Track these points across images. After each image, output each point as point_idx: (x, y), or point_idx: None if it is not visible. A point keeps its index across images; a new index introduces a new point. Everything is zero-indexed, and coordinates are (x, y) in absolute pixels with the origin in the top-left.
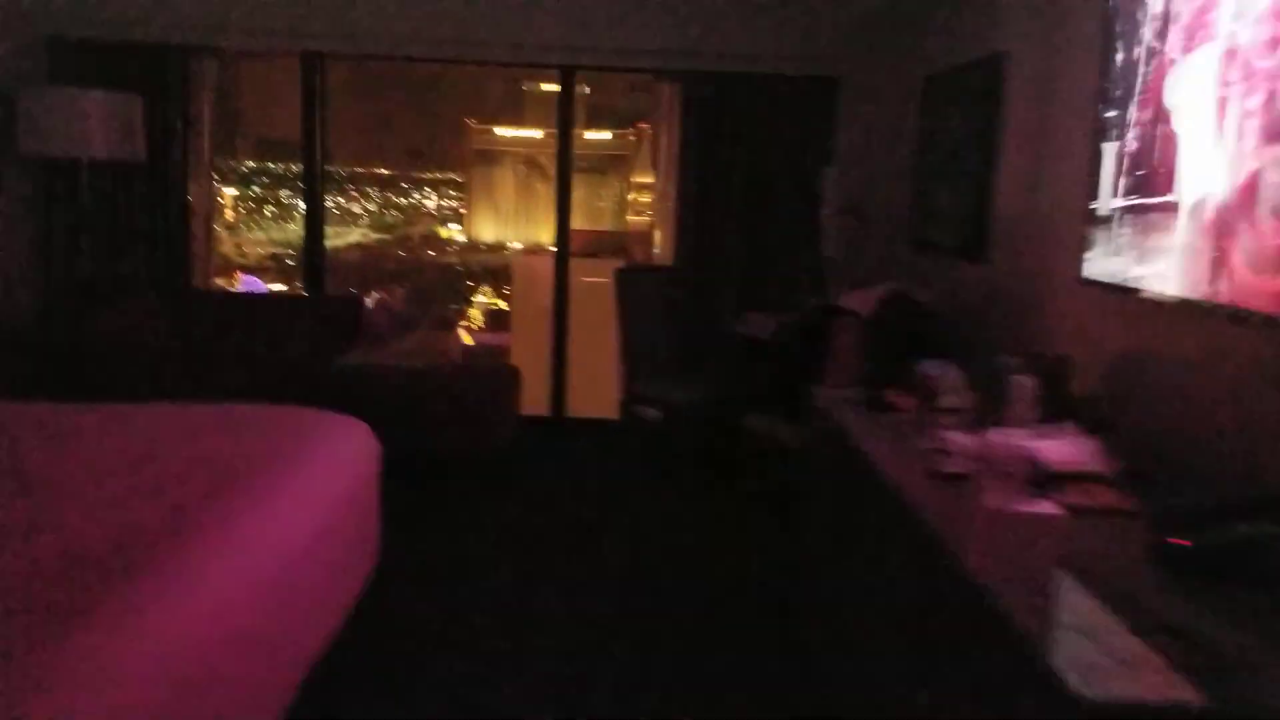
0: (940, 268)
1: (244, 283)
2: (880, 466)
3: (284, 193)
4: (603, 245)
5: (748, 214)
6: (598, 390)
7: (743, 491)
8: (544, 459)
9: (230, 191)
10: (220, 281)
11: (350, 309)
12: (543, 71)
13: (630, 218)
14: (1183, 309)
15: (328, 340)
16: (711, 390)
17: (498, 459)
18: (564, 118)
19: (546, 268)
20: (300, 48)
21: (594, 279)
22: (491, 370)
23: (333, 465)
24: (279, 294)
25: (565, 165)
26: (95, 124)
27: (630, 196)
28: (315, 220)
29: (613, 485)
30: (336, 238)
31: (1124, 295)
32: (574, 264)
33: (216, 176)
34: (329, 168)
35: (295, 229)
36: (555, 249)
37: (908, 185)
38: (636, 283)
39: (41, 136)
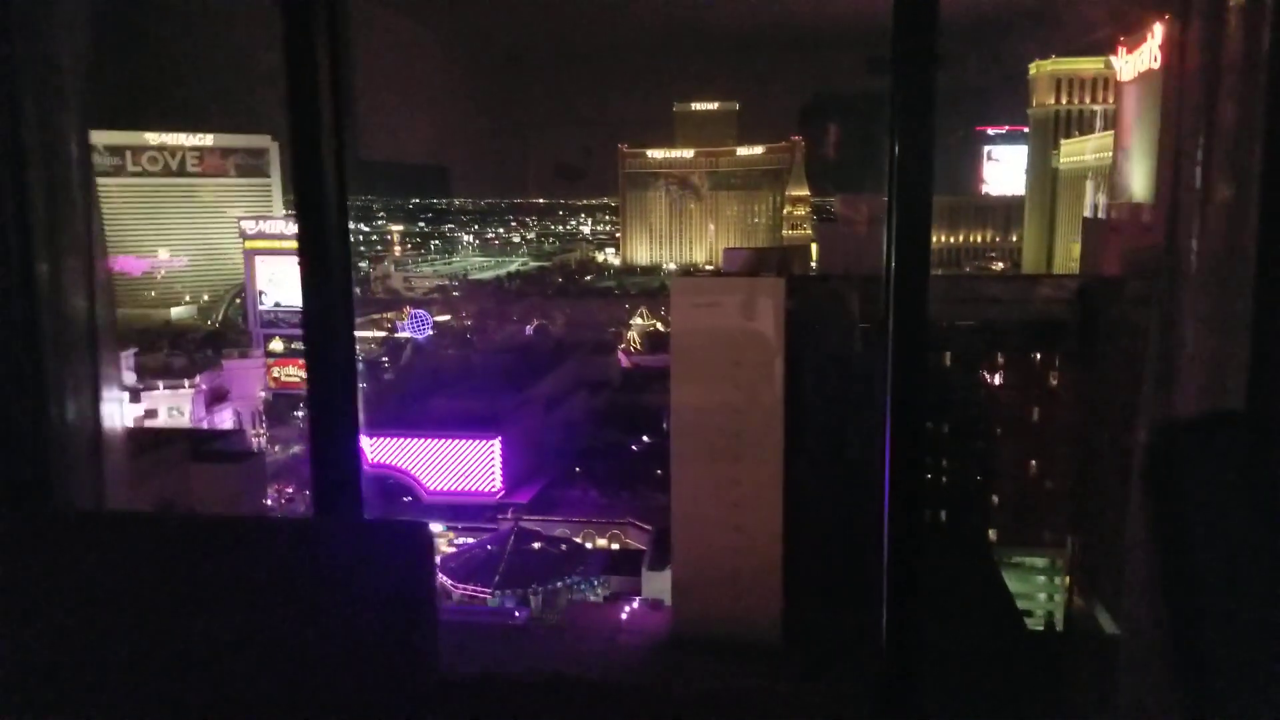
0: None
1: (411, 317)
2: None
3: (448, 226)
4: (763, 263)
5: None
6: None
7: None
8: None
9: (396, 227)
10: (389, 317)
11: (410, 558)
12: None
13: (786, 232)
14: None
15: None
16: None
17: None
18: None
19: (709, 290)
20: None
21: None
22: None
23: None
24: (264, 525)
25: (918, 136)
26: None
27: (786, 210)
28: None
29: None
30: (498, 267)
31: None
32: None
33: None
34: (467, 200)
35: (460, 261)
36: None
37: None
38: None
39: None
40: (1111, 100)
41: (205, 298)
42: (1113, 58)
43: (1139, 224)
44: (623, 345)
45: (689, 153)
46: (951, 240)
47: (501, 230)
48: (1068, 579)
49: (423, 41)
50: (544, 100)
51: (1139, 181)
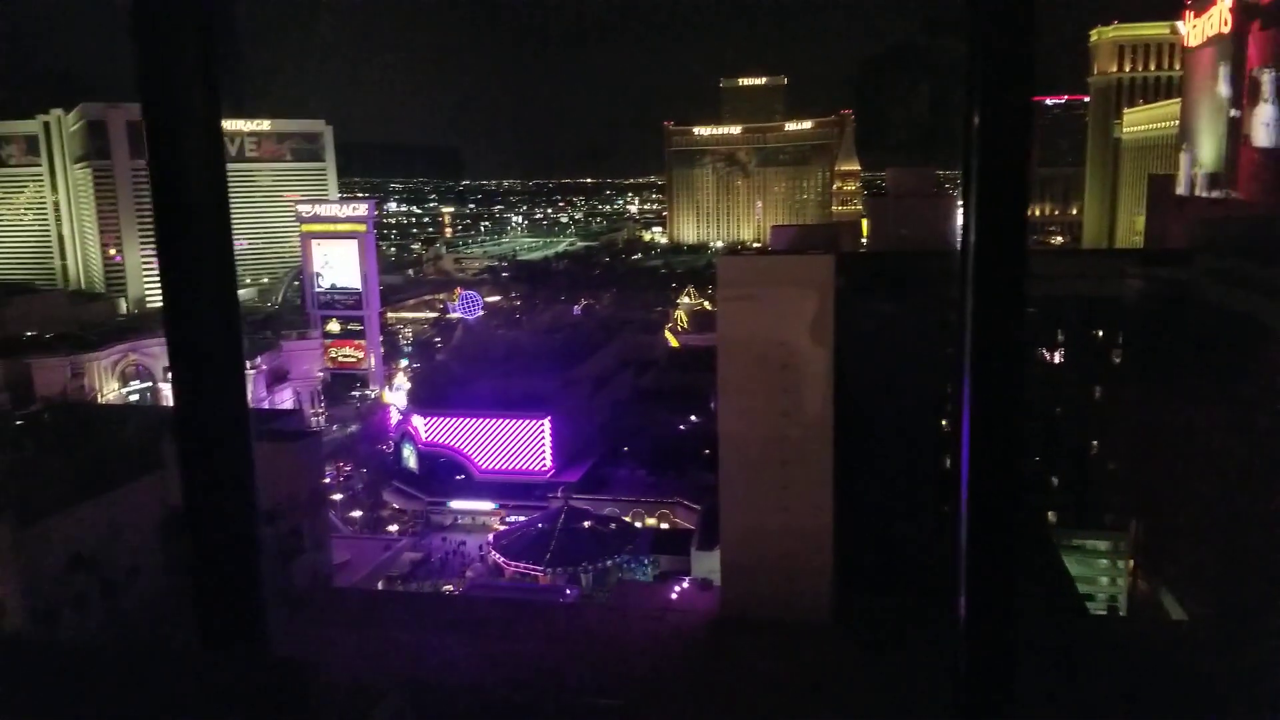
0: None
1: (462, 298)
2: None
3: (498, 207)
4: (812, 240)
5: None
6: None
7: None
8: None
9: (447, 209)
10: (440, 298)
11: (291, 697)
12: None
13: (835, 208)
14: None
15: None
16: None
17: None
18: None
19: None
20: None
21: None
22: None
23: None
24: (148, 656)
25: (1011, 98)
26: None
27: (835, 186)
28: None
29: None
30: (546, 247)
31: None
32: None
33: None
34: (531, 182)
35: (509, 242)
36: None
37: None
38: None
39: None
40: (1178, 67)
41: (265, 280)
42: (1178, 22)
43: (1215, 195)
44: (670, 324)
45: (736, 129)
46: None
47: (549, 210)
48: (1131, 562)
49: (447, 16)
50: (581, 78)
51: (1208, 150)
